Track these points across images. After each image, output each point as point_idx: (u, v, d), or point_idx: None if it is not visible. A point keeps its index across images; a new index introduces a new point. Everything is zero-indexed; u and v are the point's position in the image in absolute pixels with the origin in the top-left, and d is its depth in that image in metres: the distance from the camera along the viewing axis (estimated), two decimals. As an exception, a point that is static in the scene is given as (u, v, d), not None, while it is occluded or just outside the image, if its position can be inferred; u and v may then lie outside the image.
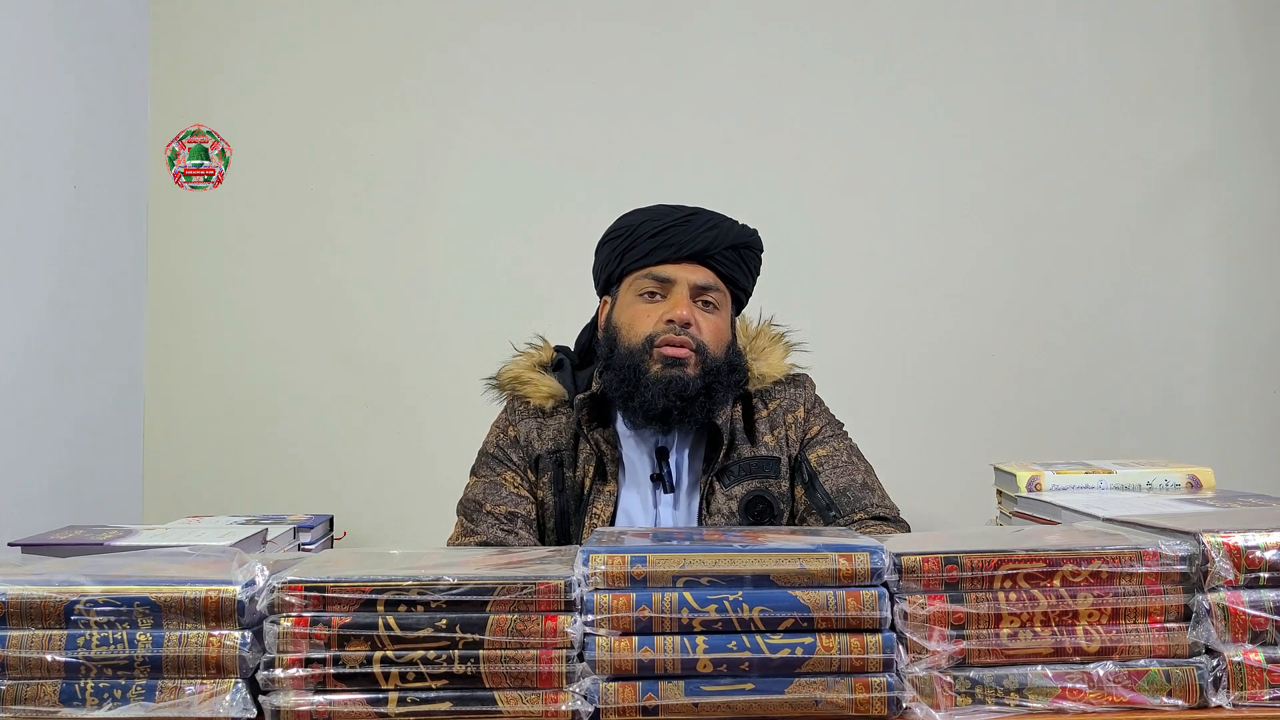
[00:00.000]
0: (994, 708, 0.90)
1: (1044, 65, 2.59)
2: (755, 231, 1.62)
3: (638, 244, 1.56)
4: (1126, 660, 0.91)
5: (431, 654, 0.89)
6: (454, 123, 2.58)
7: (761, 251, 1.63)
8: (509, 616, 0.89)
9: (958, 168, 2.58)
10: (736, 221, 1.60)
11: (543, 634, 0.89)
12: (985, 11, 2.59)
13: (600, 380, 1.58)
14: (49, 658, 0.89)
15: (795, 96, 2.58)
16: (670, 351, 1.51)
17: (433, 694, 0.89)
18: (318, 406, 2.55)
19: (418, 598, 0.89)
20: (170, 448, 2.55)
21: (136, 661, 0.89)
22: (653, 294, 1.56)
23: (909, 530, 1.55)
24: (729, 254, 1.57)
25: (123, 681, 0.89)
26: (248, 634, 0.89)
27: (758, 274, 1.64)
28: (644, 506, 1.57)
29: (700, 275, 1.55)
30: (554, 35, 2.59)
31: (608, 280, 1.63)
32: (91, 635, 0.89)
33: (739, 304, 1.66)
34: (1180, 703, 0.90)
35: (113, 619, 0.89)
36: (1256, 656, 0.91)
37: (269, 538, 1.32)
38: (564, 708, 0.88)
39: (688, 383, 1.50)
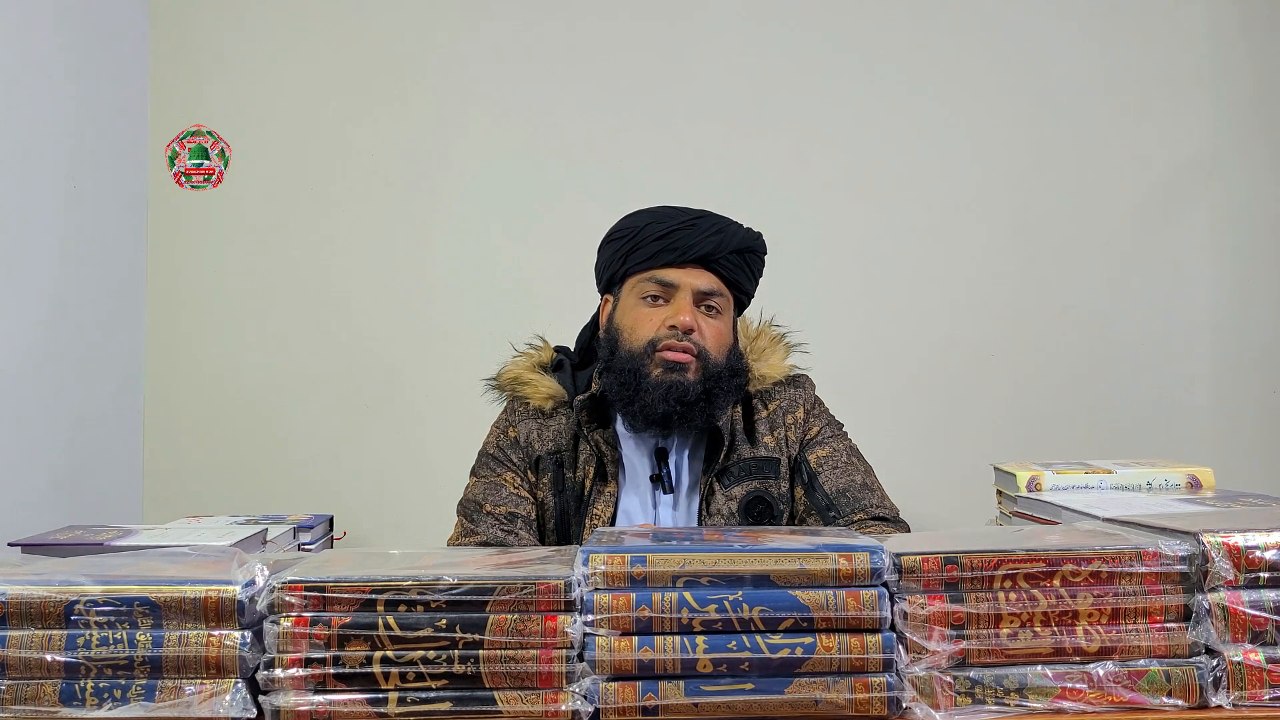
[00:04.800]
0: (994, 708, 0.90)
1: (1044, 65, 2.59)
2: (760, 235, 1.61)
3: (642, 246, 1.55)
4: (1126, 660, 0.91)
5: (431, 654, 0.89)
6: (454, 122, 2.58)
7: (765, 254, 1.62)
8: (509, 616, 0.89)
9: (958, 167, 2.58)
10: (742, 225, 1.59)
11: (543, 634, 0.89)
12: (985, 11, 2.59)
13: (600, 381, 1.58)
14: (49, 658, 0.89)
15: (795, 96, 2.58)
16: (671, 356, 1.50)
17: (433, 694, 0.89)
18: (318, 406, 2.55)
19: (418, 598, 0.89)
20: (170, 448, 2.55)
21: (136, 661, 0.89)
22: (655, 297, 1.55)
23: (909, 531, 1.55)
24: (734, 258, 1.55)
25: (123, 681, 0.89)
26: (248, 634, 0.89)
27: (760, 277, 1.63)
28: (644, 507, 1.57)
29: (704, 280, 1.54)
30: (554, 35, 2.59)
31: (610, 280, 1.62)
32: (91, 635, 0.89)
33: (741, 306, 1.65)
34: (1180, 703, 0.91)
35: (113, 619, 0.89)
36: (1256, 656, 0.91)
37: (269, 538, 1.32)
38: (564, 708, 0.88)
39: (688, 388, 1.50)
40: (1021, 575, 0.92)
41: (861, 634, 0.90)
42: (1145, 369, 2.56)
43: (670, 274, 1.54)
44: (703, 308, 1.55)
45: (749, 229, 1.60)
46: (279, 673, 0.88)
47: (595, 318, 1.70)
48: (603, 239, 1.63)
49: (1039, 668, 0.91)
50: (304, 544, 1.56)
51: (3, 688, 0.89)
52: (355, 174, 2.58)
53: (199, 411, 2.55)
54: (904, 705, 0.90)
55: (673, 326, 1.51)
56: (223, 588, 0.90)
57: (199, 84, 2.58)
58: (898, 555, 0.92)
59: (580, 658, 0.90)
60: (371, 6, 2.59)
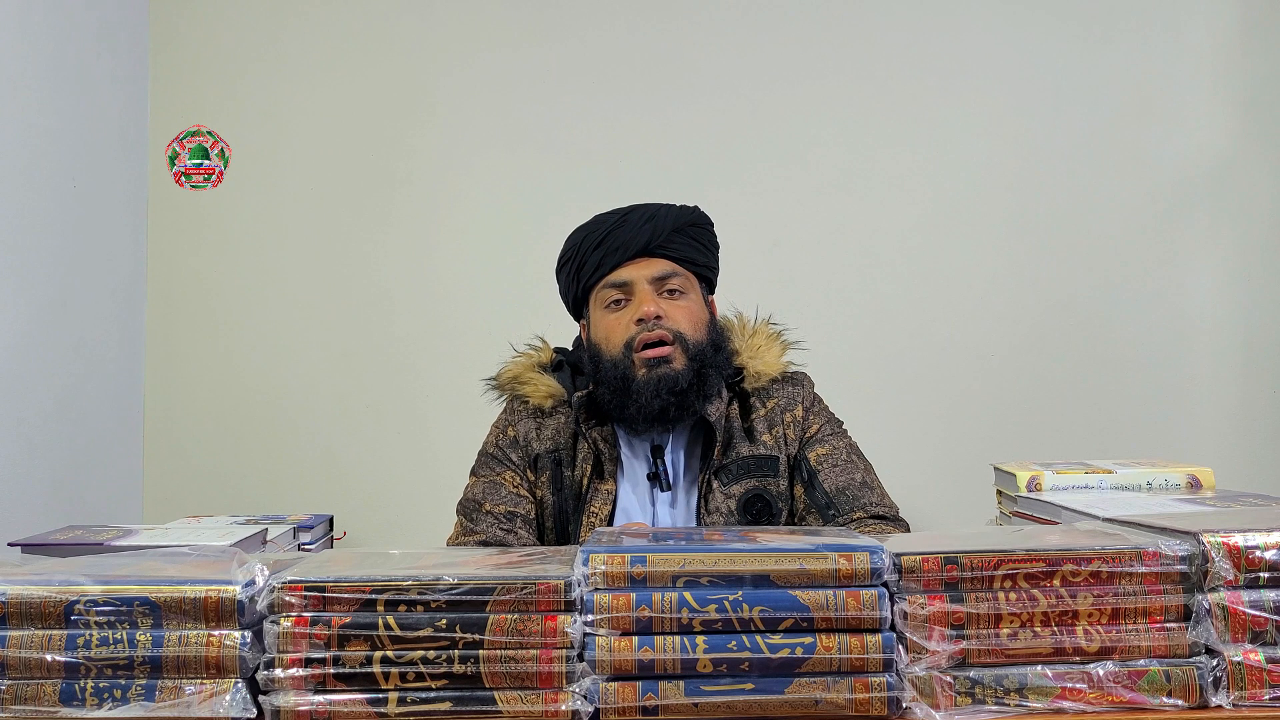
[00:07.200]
0: (994, 708, 0.90)
1: (1044, 65, 2.59)
2: (696, 209, 1.63)
3: (586, 259, 1.59)
4: (1126, 660, 0.91)
5: (431, 654, 0.89)
6: (455, 121, 2.58)
7: (710, 226, 1.64)
8: (509, 616, 0.89)
9: (958, 167, 2.58)
10: (675, 205, 1.62)
11: (543, 634, 0.89)
12: (986, 11, 2.59)
13: (596, 393, 1.59)
14: (49, 658, 0.89)
15: (795, 97, 2.58)
16: (651, 353, 1.51)
17: (433, 694, 0.89)
18: (318, 406, 2.55)
19: (418, 598, 0.89)
20: (170, 448, 2.55)
21: (136, 661, 0.89)
22: (617, 301, 1.57)
23: (908, 529, 1.55)
24: (676, 238, 1.58)
25: (123, 681, 0.89)
26: (248, 634, 0.89)
27: (716, 248, 1.65)
28: (641, 505, 1.57)
29: (655, 267, 1.56)
30: (555, 36, 2.59)
31: (576, 304, 1.66)
32: (91, 635, 0.89)
33: (709, 283, 1.66)
34: (1180, 703, 0.90)
35: (113, 619, 0.89)
36: (1256, 656, 0.91)
37: (269, 538, 1.32)
38: (564, 708, 0.88)
39: (677, 377, 1.51)
40: (1021, 575, 0.92)
41: (861, 634, 0.90)
42: (1145, 369, 2.56)
43: (620, 273, 1.56)
44: (665, 293, 1.56)
45: (683, 206, 1.62)
46: (279, 673, 0.88)
47: (579, 341, 1.71)
48: (555, 271, 1.67)
49: (1039, 668, 0.91)
50: (304, 544, 1.56)
51: (3, 688, 0.89)
52: (355, 174, 2.58)
53: (199, 411, 2.55)
54: (904, 705, 0.90)
55: (640, 320, 1.53)
56: (223, 588, 0.90)
57: (199, 84, 2.58)
58: (898, 555, 0.92)
59: (580, 658, 0.90)
60: (372, 7, 2.59)
